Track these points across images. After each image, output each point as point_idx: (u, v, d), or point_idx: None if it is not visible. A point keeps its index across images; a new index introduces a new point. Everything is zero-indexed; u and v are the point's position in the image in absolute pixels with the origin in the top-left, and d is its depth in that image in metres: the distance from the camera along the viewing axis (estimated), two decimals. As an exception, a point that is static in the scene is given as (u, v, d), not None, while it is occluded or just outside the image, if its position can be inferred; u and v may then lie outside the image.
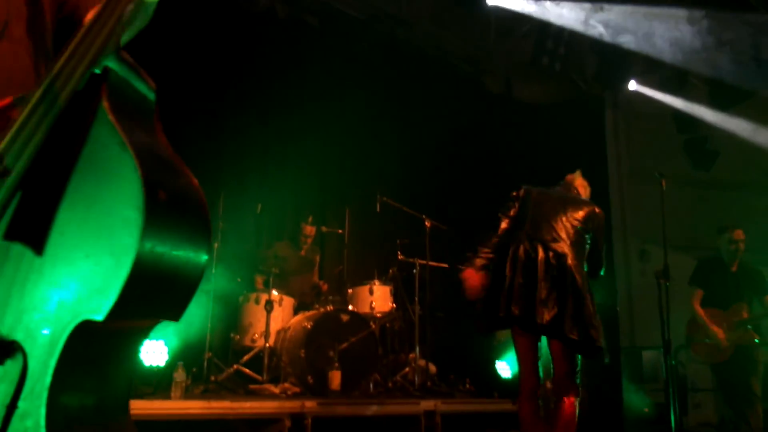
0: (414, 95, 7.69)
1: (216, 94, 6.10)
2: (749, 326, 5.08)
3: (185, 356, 4.67)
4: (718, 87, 7.93)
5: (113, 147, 1.16)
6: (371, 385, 5.03)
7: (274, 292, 5.27)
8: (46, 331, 1.12)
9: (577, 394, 3.37)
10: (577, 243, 3.31)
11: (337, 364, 4.66)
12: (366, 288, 5.50)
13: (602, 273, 3.59)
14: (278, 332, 5.18)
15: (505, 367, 5.60)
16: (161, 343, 4.16)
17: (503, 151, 8.21)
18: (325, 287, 5.95)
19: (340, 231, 6.11)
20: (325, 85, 6.93)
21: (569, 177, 3.99)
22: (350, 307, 5.36)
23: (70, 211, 1.17)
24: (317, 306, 5.27)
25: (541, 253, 3.21)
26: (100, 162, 1.18)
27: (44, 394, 1.09)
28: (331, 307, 5.09)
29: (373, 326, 5.11)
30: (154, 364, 4.07)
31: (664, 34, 7.27)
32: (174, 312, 1.25)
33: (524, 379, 3.39)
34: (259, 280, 5.64)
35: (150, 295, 1.17)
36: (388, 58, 7.54)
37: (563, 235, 3.29)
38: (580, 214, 3.42)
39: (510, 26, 8.07)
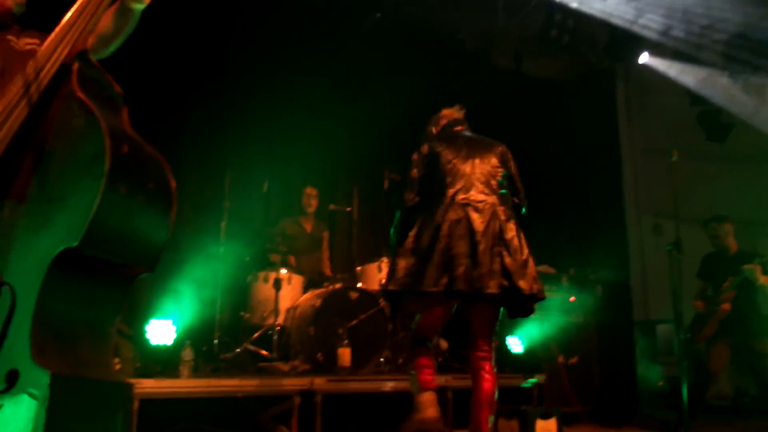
0: (421, 71, 7.59)
1: (218, 73, 6.05)
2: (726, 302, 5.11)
3: (194, 336, 4.68)
4: (732, 57, 7.76)
5: (83, 115, 1.42)
6: (382, 362, 5.01)
7: (283, 271, 5.25)
8: (31, 264, 1.34)
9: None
10: (500, 192, 3.11)
11: (346, 342, 4.65)
12: (375, 265, 5.46)
13: (524, 211, 3.25)
14: (288, 310, 5.17)
15: (517, 342, 5.57)
16: (169, 322, 4.16)
17: (513, 128, 8.07)
18: (328, 272, 5.93)
19: (349, 209, 6.07)
20: (332, 61, 6.84)
21: (445, 112, 3.63)
22: (359, 285, 5.33)
23: (47, 167, 1.42)
24: (326, 284, 5.25)
25: (472, 214, 2.95)
26: (72, 128, 1.44)
27: (29, 320, 1.28)
28: (340, 285, 5.06)
29: (383, 303, 5.08)
30: (162, 344, 4.08)
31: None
32: (146, 259, 1.48)
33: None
34: (275, 257, 5.60)
35: (118, 233, 1.41)
36: (395, 34, 7.44)
37: (485, 187, 3.06)
38: (494, 159, 3.20)
39: (518, 0, 7.95)
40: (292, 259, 5.71)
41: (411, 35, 7.61)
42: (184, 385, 3.70)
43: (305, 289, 5.41)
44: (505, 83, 8.45)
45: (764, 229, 8.33)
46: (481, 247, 2.87)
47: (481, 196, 3.03)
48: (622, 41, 7.52)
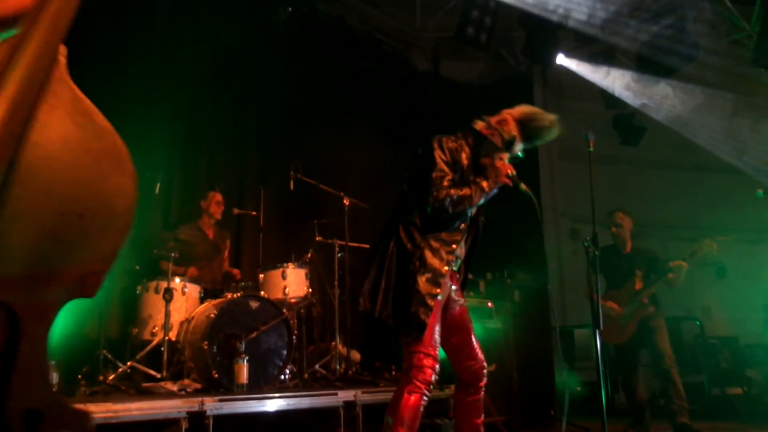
0: (336, 69, 7.27)
1: (118, 63, 5.54)
2: (645, 299, 5.01)
3: (71, 355, 4.18)
4: (644, 62, 7.78)
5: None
6: (286, 377, 4.61)
7: (177, 280, 4.77)
8: None
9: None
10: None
11: (244, 356, 4.22)
12: (278, 272, 5.05)
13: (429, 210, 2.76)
14: (181, 324, 4.69)
15: (432, 352, 5.27)
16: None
17: (430, 131, 7.87)
18: (237, 275, 5.48)
19: (254, 213, 5.64)
20: (240, 57, 6.42)
21: None
22: (262, 293, 4.90)
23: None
24: (226, 294, 4.81)
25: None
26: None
27: None
28: (239, 294, 4.63)
29: (287, 313, 4.68)
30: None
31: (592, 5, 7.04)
32: None
33: None
34: (165, 265, 5.09)
35: None
36: (308, 29, 7.08)
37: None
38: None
39: (436, 1, 7.77)
40: (192, 269, 5.24)
41: (324, 32, 7.27)
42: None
43: (202, 300, 4.94)
44: (423, 85, 8.24)
45: (674, 232, 8.41)
46: None
47: None
48: (539, 42, 7.39)
